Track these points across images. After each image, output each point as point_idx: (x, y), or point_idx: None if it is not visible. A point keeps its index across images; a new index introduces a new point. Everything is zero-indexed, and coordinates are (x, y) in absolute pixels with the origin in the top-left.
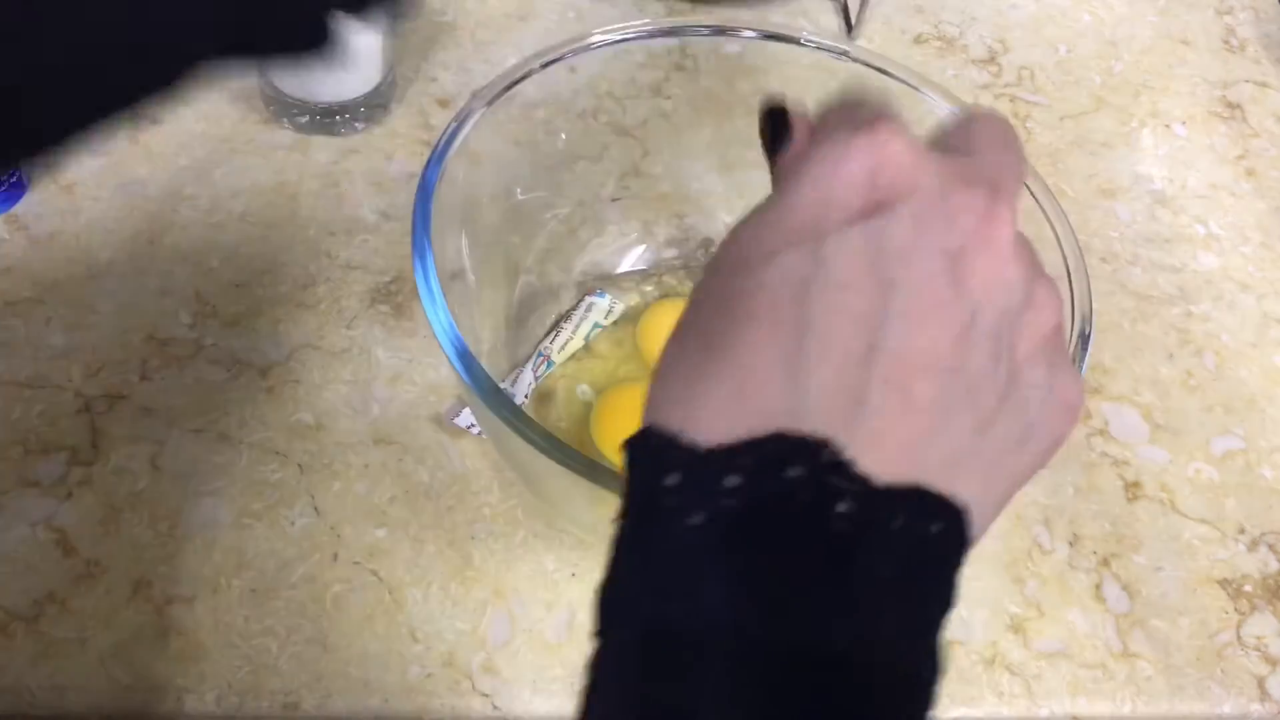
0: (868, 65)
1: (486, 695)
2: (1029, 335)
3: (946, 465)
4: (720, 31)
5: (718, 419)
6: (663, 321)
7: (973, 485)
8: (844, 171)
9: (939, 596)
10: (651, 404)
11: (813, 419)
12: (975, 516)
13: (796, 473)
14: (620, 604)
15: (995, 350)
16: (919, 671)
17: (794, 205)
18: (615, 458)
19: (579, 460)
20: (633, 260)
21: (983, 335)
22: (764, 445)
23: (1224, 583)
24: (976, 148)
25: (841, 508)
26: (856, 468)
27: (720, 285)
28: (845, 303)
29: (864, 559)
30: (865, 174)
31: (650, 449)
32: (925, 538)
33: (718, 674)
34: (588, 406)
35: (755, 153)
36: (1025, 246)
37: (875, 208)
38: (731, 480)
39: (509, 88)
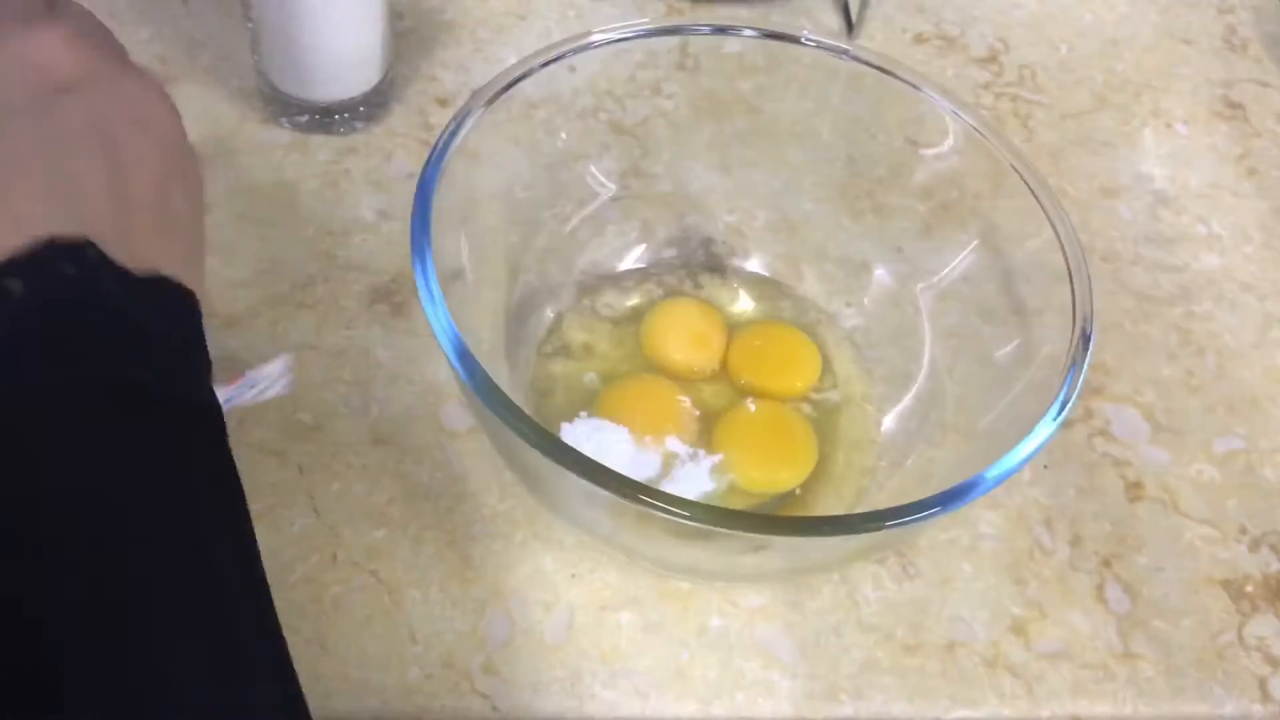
0: (868, 64)
1: (486, 696)
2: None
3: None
4: (721, 30)
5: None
6: (666, 321)
7: (187, 263)
8: (12, 69)
9: (194, 360)
10: None
11: (79, 231)
12: (193, 287)
13: (69, 269)
14: None
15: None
16: (201, 400)
17: None
18: None
19: (578, 460)
20: (633, 260)
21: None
22: (39, 251)
23: (1226, 583)
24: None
25: (111, 290)
26: (118, 263)
27: None
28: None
29: (129, 331)
30: (28, 69)
31: None
32: (175, 315)
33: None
34: (588, 401)
35: (755, 152)
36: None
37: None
38: (14, 283)
39: (509, 87)
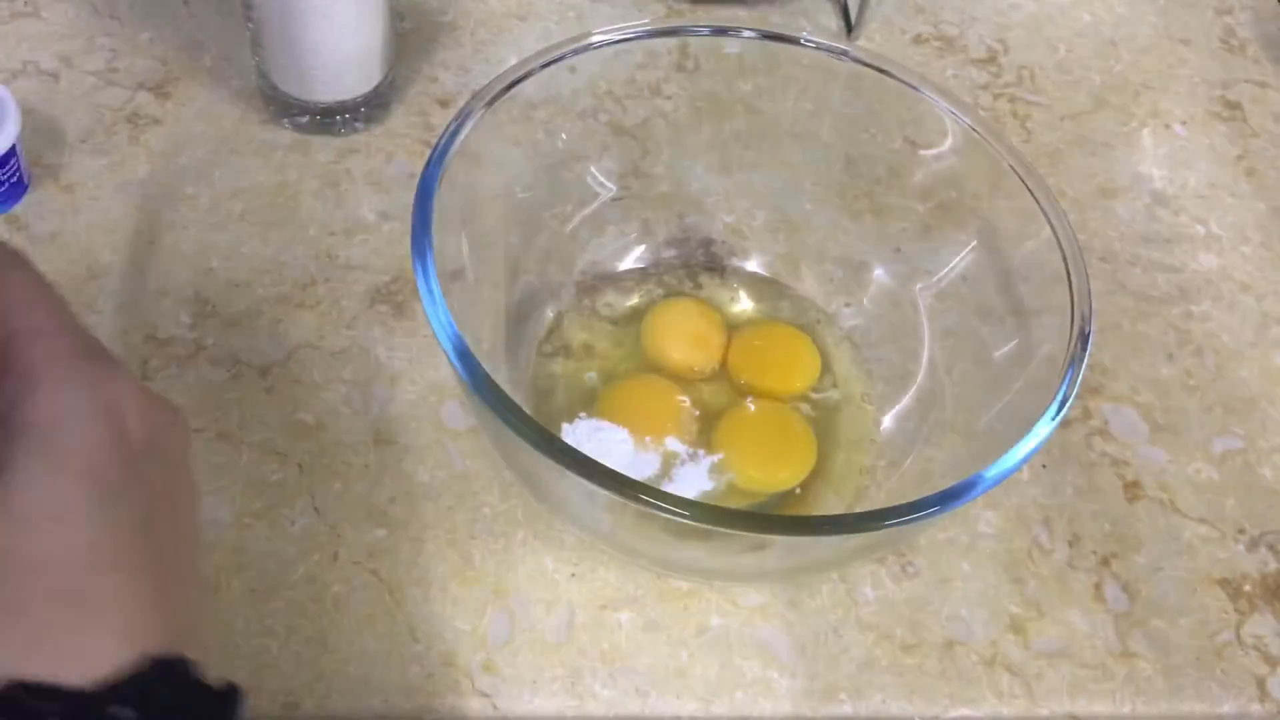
0: (867, 65)
1: (486, 695)
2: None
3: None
4: (720, 31)
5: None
6: (665, 321)
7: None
8: (99, 425)
9: None
10: None
11: (171, 635)
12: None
13: (166, 691)
14: None
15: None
16: None
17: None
18: None
19: (578, 460)
20: (633, 260)
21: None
22: (146, 672)
23: (1224, 583)
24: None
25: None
26: (200, 673)
27: None
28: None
29: None
30: (111, 426)
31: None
32: None
33: None
34: (588, 401)
35: (754, 152)
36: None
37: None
38: (127, 715)
39: (509, 88)
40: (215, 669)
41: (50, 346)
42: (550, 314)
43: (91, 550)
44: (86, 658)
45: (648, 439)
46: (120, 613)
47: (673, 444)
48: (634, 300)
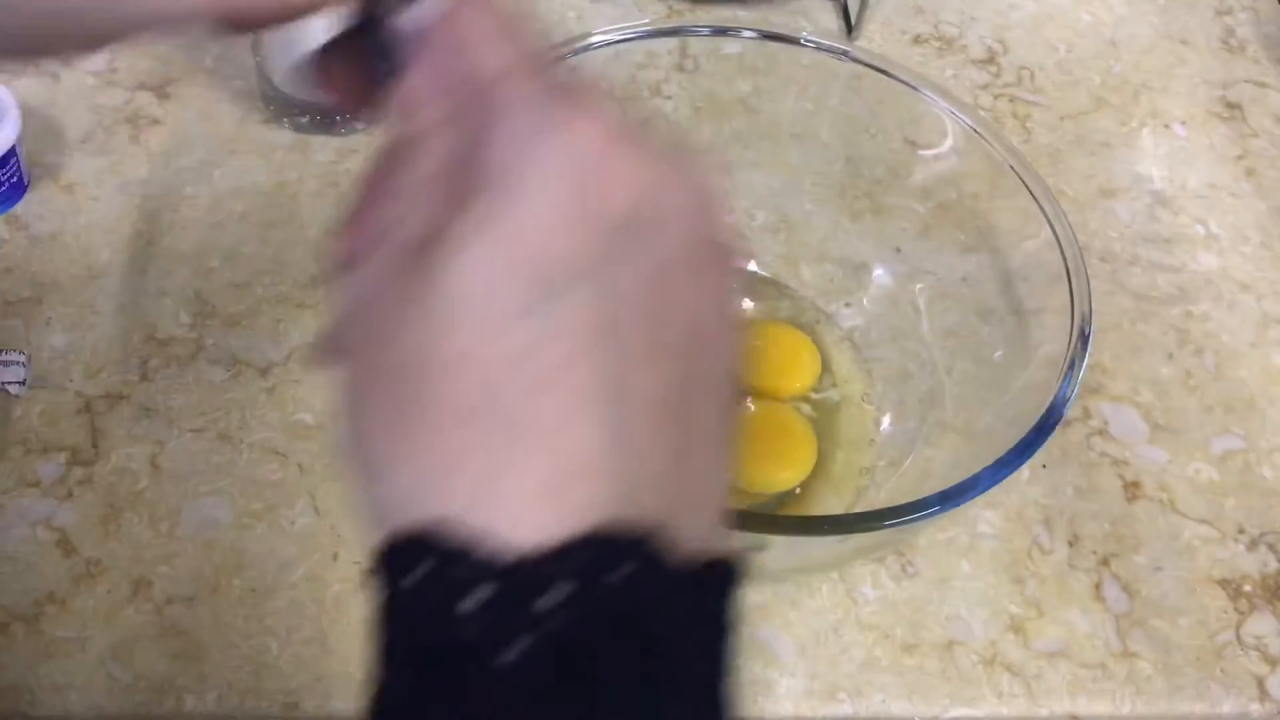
0: (867, 65)
1: None
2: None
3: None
4: (720, 32)
5: (527, 516)
6: None
7: (717, 513)
8: (562, 197)
9: (729, 656)
10: (396, 502)
11: (635, 501)
12: (676, 515)
13: (627, 568)
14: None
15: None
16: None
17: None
18: None
19: None
20: None
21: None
22: (594, 543)
23: (1224, 582)
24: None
25: (668, 599)
26: (671, 550)
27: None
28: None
29: (676, 651)
30: (583, 197)
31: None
32: (724, 607)
33: None
34: None
35: (755, 153)
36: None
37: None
38: (563, 588)
39: None
40: (215, 667)
41: (514, 89)
42: None
43: (523, 359)
44: (508, 510)
45: None
46: (557, 454)
47: None
48: None
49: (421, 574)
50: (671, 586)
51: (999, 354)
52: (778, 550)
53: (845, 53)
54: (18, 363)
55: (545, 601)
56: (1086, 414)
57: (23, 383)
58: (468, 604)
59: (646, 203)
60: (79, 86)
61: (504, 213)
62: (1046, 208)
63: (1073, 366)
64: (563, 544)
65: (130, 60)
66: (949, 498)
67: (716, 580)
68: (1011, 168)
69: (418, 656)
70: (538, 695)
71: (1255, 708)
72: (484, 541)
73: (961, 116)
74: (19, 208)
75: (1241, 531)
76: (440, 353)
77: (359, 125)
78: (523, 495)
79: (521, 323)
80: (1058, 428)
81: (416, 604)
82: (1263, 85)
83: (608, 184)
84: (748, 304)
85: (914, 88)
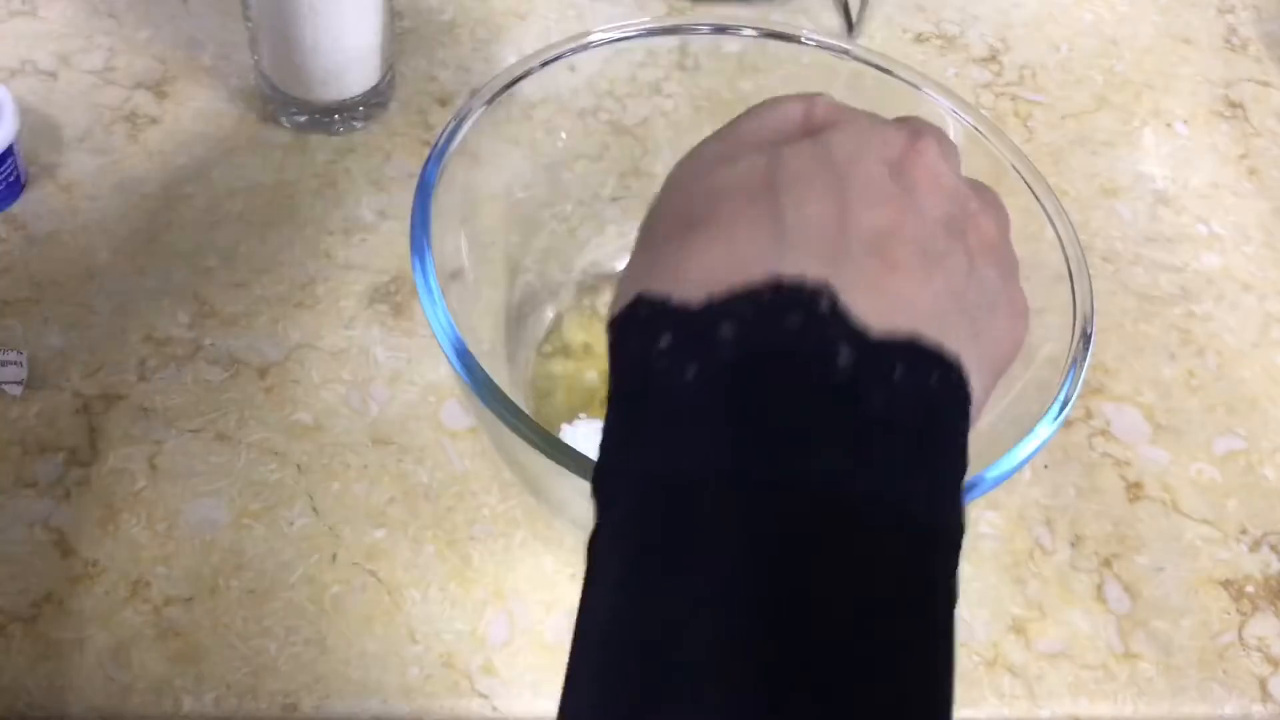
0: (868, 64)
1: (485, 696)
2: (976, 237)
3: (932, 319)
4: (721, 30)
5: (708, 276)
6: None
7: (960, 341)
8: (782, 109)
9: (950, 452)
10: (632, 279)
11: (805, 266)
12: (969, 374)
13: (794, 321)
14: (617, 474)
15: (947, 233)
16: (943, 524)
17: (740, 131)
18: None
19: (578, 460)
20: None
21: (937, 223)
22: (759, 294)
23: (1226, 583)
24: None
25: (843, 357)
26: (853, 318)
27: (686, 184)
28: (810, 183)
29: (869, 407)
30: (801, 112)
31: (639, 320)
32: (926, 388)
33: (726, 527)
34: (588, 402)
35: None
36: (957, 165)
37: (814, 132)
38: (726, 330)
39: (508, 86)
40: (213, 668)
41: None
42: (550, 314)
43: (687, 186)
44: (691, 279)
45: None
46: (732, 234)
47: None
48: None
49: (634, 324)
50: (827, 338)
51: None
52: None
53: (846, 51)
54: (15, 362)
55: (718, 336)
56: (1088, 414)
57: (21, 383)
58: (662, 343)
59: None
60: (76, 85)
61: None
62: (1048, 207)
63: (1074, 366)
64: (731, 295)
65: (128, 59)
66: None
67: (913, 360)
68: (1013, 167)
69: (630, 381)
70: (710, 402)
71: (1257, 709)
72: (674, 299)
73: (963, 115)
74: (16, 207)
75: (1244, 532)
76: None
77: (358, 124)
78: (703, 269)
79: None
80: (1059, 428)
81: (628, 347)
82: (1265, 84)
83: (836, 128)
84: None
85: (915, 86)
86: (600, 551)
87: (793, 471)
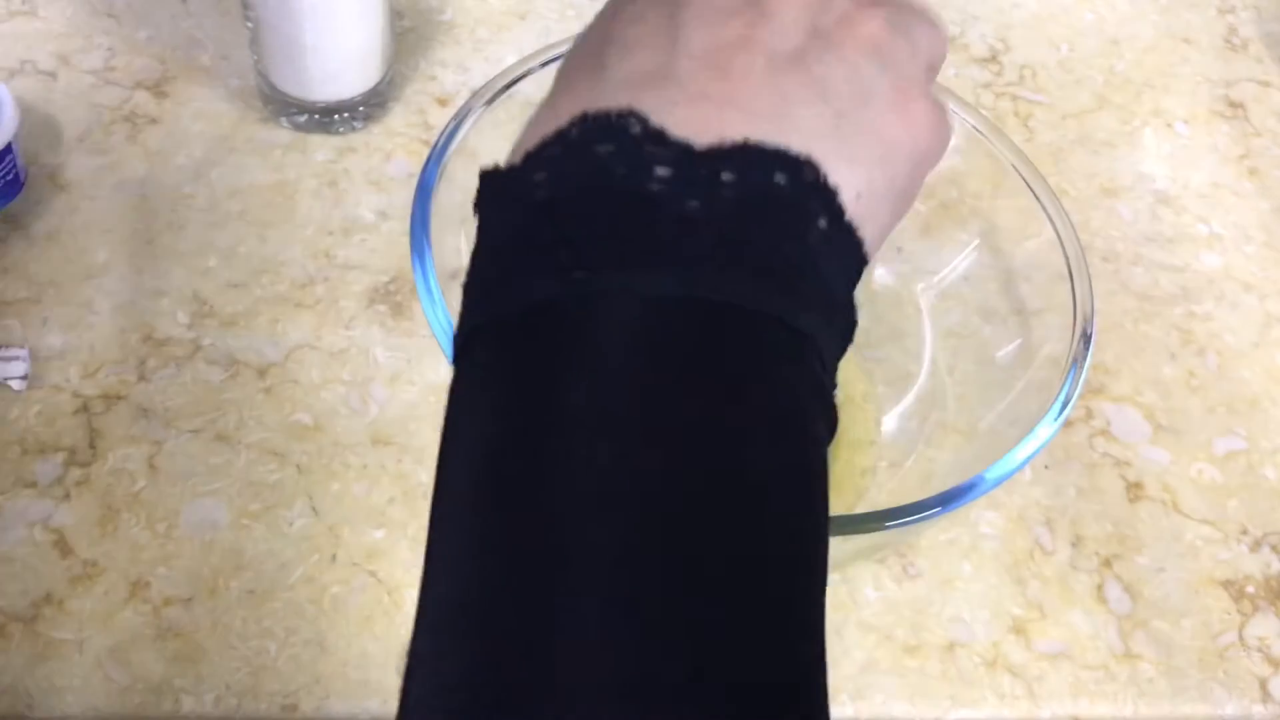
0: None
1: None
2: (850, 33)
3: (774, 120)
4: None
5: (532, 136)
6: None
7: (816, 136)
8: None
9: (812, 251)
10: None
11: (616, 101)
12: (842, 176)
13: (605, 149)
14: (466, 319)
15: (815, 35)
16: (805, 324)
17: None
18: None
19: None
20: None
21: (794, 25)
22: (566, 132)
23: (1226, 584)
24: None
25: (660, 171)
26: (671, 134)
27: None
28: (641, 22)
29: (685, 211)
30: None
31: (482, 191)
32: (766, 188)
33: (582, 344)
34: None
35: None
36: None
37: None
38: (539, 175)
39: (508, 86)
40: (213, 668)
41: None
42: None
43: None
44: (683, 115)
45: None
46: (555, 94)
47: None
48: None
49: (480, 198)
50: (641, 157)
51: (1001, 354)
52: None
53: None
54: (19, 358)
55: (532, 181)
56: (1089, 414)
57: (25, 378)
58: (488, 208)
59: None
60: (76, 85)
61: None
62: (1049, 207)
63: (1075, 366)
64: (546, 139)
65: (128, 59)
66: (951, 499)
67: (746, 163)
68: (1014, 167)
69: (479, 231)
70: (527, 238)
71: (1258, 709)
72: (504, 167)
73: (963, 115)
74: (15, 207)
75: (1244, 532)
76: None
77: (357, 124)
78: (530, 133)
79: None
80: (1060, 428)
81: (480, 215)
82: (1265, 84)
83: None
84: None
85: None
86: (461, 396)
87: (608, 285)
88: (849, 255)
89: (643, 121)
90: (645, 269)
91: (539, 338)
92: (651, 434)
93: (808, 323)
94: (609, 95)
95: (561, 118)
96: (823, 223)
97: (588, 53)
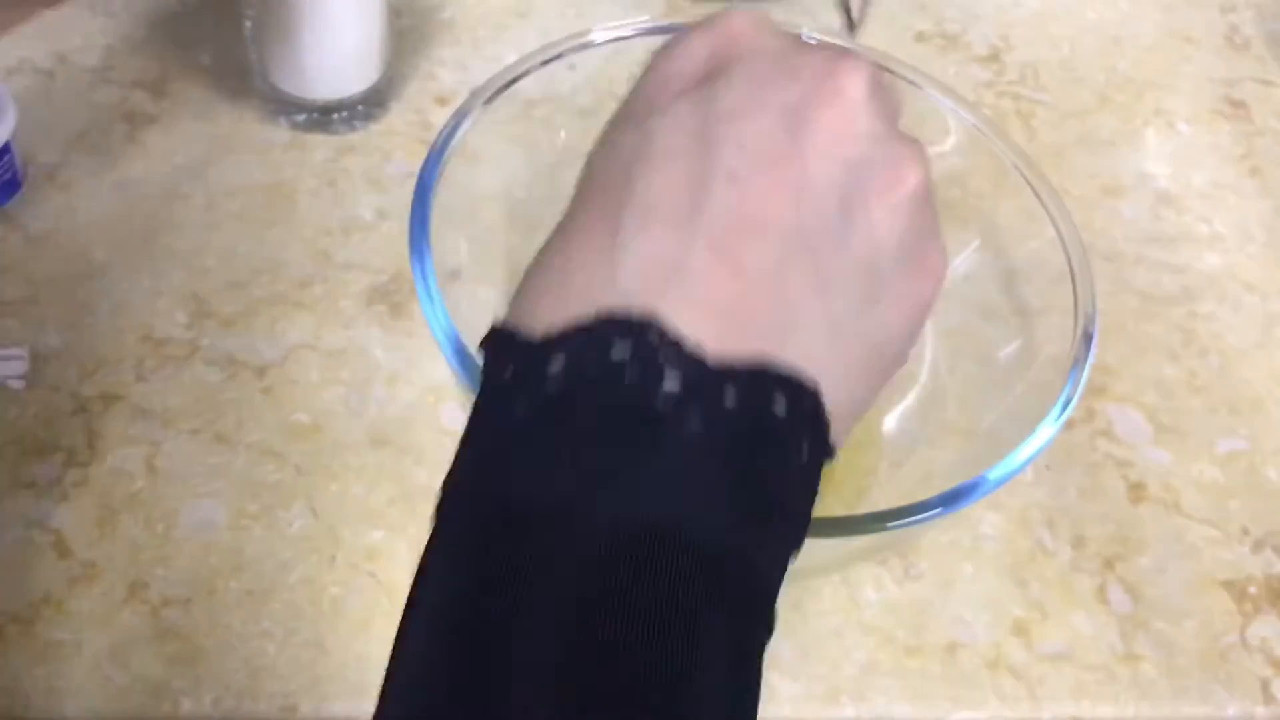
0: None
1: None
2: (882, 190)
3: (783, 332)
4: None
5: (546, 308)
6: None
7: (818, 352)
8: (682, 48)
9: (789, 484)
10: (514, 297)
11: (635, 294)
12: (832, 389)
13: (621, 353)
14: (455, 492)
15: (839, 202)
16: (757, 569)
17: (637, 91)
18: None
19: None
20: None
21: (823, 188)
22: (589, 328)
23: (1228, 585)
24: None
25: (668, 386)
26: (688, 344)
27: (583, 176)
28: (666, 170)
29: (692, 436)
30: (705, 47)
31: (493, 348)
32: (765, 415)
33: (548, 552)
34: None
35: None
36: (884, 104)
37: (712, 75)
38: (555, 366)
39: (508, 85)
40: (212, 669)
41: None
42: None
43: (586, 177)
44: (532, 306)
45: None
46: (563, 258)
47: None
48: None
49: (489, 351)
50: (654, 366)
51: (1002, 354)
52: None
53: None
54: (19, 357)
55: (548, 371)
56: (1090, 415)
57: (23, 377)
58: (505, 375)
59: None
60: (74, 84)
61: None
62: (1050, 206)
63: (1076, 367)
64: (563, 330)
65: (126, 58)
66: (952, 499)
67: (751, 386)
68: (1015, 166)
69: (476, 408)
70: (534, 435)
71: (1260, 711)
72: (519, 331)
73: (964, 114)
74: (13, 206)
75: (1246, 533)
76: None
77: (357, 123)
78: (544, 293)
79: (599, 151)
80: (1061, 429)
81: (486, 368)
82: (1267, 83)
83: (851, 95)
84: None
85: (916, 85)
86: (436, 558)
87: (606, 503)
88: (818, 469)
89: (659, 331)
90: (632, 495)
91: (509, 541)
92: (588, 668)
93: (769, 556)
94: (626, 281)
95: (580, 298)
96: (806, 451)
97: (610, 188)
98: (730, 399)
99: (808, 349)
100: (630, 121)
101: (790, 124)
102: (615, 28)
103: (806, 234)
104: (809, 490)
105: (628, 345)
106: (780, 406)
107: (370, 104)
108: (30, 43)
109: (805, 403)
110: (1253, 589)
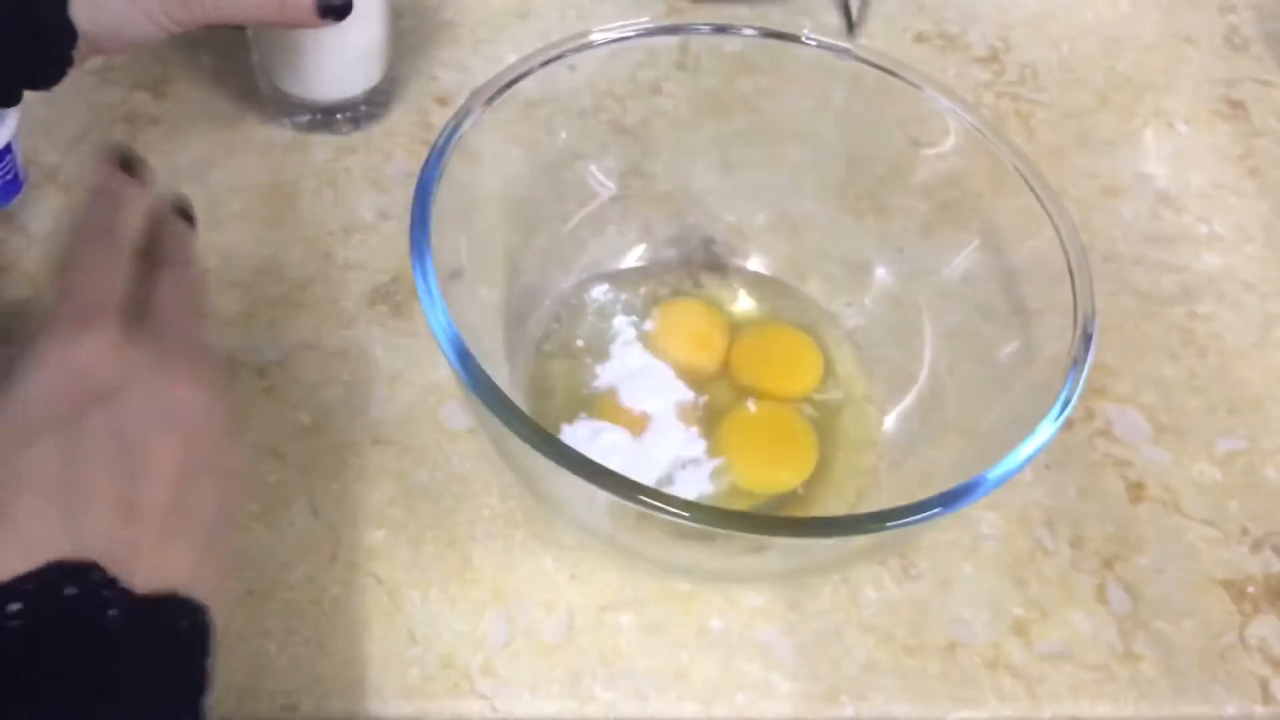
0: (869, 64)
1: (485, 697)
2: (169, 465)
3: (186, 571)
4: (721, 30)
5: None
6: (668, 321)
7: (186, 571)
8: (53, 379)
9: (190, 684)
10: None
11: (86, 550)
12: (206, 594)
13: (71, 591)
14: None
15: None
16: None
17: (26, 399)
18: None
19: (578, 461)
20: (633, 259)
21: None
22: (44, 573)
23: (1227, 584)
24: (165, 319)
25: (112, 613)
26: (122, 582)
27: None
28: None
29: (125, 658)
30: (68, 378)
31: None
32: (177, 633)
33: None
34: (588, 402)
35: (755, 151)
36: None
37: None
38: (14, 605)
39: (508, 86)
40: (222, 668)
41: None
42: (550, 314)
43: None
44: None
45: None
46: (24, 527)
47: (674, 440)
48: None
49: None
50: (109, 603)
51: (1002, 354)
52: (779, 552)
53: (847, 51)
54: None
55: (8, 610)
56: (1090, 415)
57: None
58: None
59: (117, 384)
60: (76, 84)
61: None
62: (1049, 207)
63: (1076, 367)
64: (22, 575)
65: (127, 59)
66: (951, 499)
67: (165, 612)
68: (1014, 166)
69: None
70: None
71: (1259, 710)
72: None
73: (964, 115)
74: (15, 206)
75: (1245, 533)
76: None
77: (358, 124)
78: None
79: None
80: (1061, 429)
81: None
82: (1266, 84)
83: (100, 375)
84: (749, 304)
85: (916, 86)
86: None
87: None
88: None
89: (102, 572)
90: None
91: None
92: None
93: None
94: (79, 548)
95: (36, 557)
96: (204, 653)
97: (56, 488)
98: (149, 624)
99: (202, 576)
100: (28, 435)
101: (116, 436)
102: (615, 29)
103: (140, 497)
104: (202, 688)
105: (77, 585)
106: (187, 623)
107: (372, 105)
108: None
109: (200, 619)
110: (1252, 589)
